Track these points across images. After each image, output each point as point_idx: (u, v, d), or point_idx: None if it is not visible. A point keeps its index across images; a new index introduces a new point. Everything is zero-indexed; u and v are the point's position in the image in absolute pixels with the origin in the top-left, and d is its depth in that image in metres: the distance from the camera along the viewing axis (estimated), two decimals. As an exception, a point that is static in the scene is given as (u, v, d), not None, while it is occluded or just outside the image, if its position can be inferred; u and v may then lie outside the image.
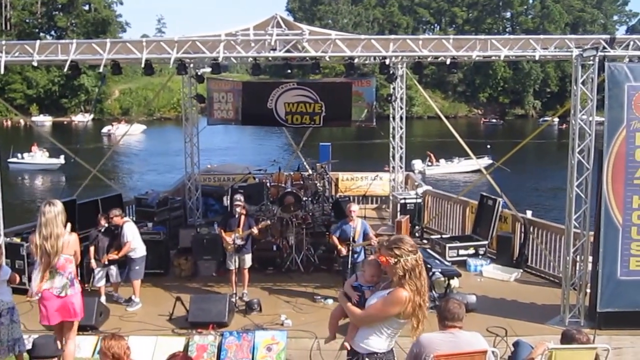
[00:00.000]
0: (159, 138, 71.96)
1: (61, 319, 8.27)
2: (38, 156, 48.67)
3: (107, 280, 12.56)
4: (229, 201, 17.23)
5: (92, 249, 12.30)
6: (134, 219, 16.02)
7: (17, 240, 12.86)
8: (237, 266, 12.58)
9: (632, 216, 10.76)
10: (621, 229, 10.77)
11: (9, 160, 48.08)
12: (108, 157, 27.28)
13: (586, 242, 11.26)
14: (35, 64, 11.78)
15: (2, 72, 11.58)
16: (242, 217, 12.57)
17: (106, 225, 12.44)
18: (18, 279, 8.59)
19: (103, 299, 12.20)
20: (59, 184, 27.49)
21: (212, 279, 14.01)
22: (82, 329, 10.35)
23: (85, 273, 13.08)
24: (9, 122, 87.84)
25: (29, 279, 8.50)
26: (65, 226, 8.10)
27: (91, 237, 12.51)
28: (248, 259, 12.68)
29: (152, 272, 13.53)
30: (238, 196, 13.06)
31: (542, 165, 48.10)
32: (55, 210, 7.97)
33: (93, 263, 12.23)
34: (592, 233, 11.24)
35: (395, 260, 5.47)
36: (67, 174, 36.01)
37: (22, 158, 48.96)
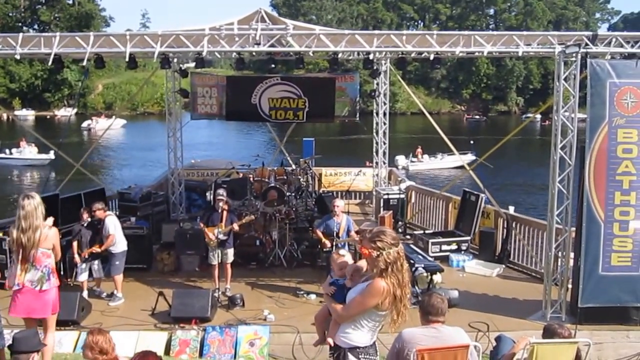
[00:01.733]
0: (142, 133, 71.56)
1: (30, 313, 8.19)
2: (27, 151, 47.56)
3: (90, 274, 12.49)
4: (212, 196, 17.21)
5: (75, 243, 12.23)
6: (117, 213, 15.95)
7: (-1, 234, 12.76)
8: (219, 261, 12.56)
9: (614, 212, 10.83)
10: (603, 224, 10.85)
11: None
12: (90, 152, 27.14)
13: (568, 237, 11.33)
14: (18, 57, 11.67)
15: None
16: (225, 213, 12.53)
17: (89, 219, 12.37)
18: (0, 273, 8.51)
19: (85, 293, 12.13)
20: (48, 179, 27.19)
21: (195, 274, 13.97)
22: (64, 323, 10.32)
23: (68, 267, 13.02)
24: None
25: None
26: (45, 219, 8.04)
27: (74, 232, 12.44)
28: (230, 253, 12.65)
29: (134, 266, 13.49)
30: (220, 191, 13.02)
31: (524, 162, 48.32)
32: (34, 203, 7.91)
33: (76, 258, 12.17)
34: (574, 229, 11.32)
35: (378, 253, 5.47)
36: (55, 169, 35.68)
37: (10, 153, 48.08)
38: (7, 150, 48.29)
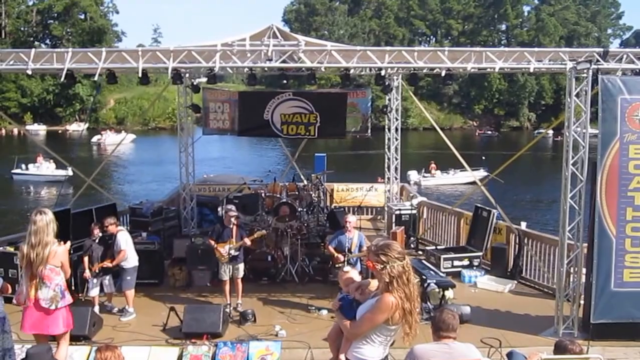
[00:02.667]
0: (153, 148, 71.78)
1: (42, 330, 8.22)
2: (44, 167, 46.83)
3: (101, 289, 12.51)
4: (223, 211, 17.24)
5: (86, 258, 12.25)
6: (129, 228, 15.99)
7: (10, 249, 12.81)
8: (230, 276, 12.55)
9: (626, 228, 10.78)
10: (615, 240, 10.79)
11: (13, 171, 47.23)
12: (101, 167, 27.18)
13: (580, 253, 11.28)
14: (29, 72, 11.73)
15: (-3, 80, 11.59)
16: (234, 228, 12.53)
17: (100, 234, 12.40)
18: (10, 289, 8.53)
19: (97, 308, 12.14)
20: (63, 194, 27.09)
21: (207, 289, 13.98)
22: (75, 339, 10.32)
23: (79, 283, 13.05)
24: (3, 131, 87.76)
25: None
26: (57, 236, 8.07)
27: (85, 247, 12.46)
28: (241, 268, 12.65)
29: (146, 282, 13.51)
30: (230, 206, 13.03)
31: (536, 177, 48.17)
32: (46, 219, 7.95)
33: (87, 273, 12.19)
34: (585, 245, 11.27)
35: (382, 266, 5.48)
36: (67, 184, 35.61)
37: (26, 169, 47.56)
38: (23, 166, 47.78)
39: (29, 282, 8.04)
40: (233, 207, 13.04)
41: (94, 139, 75.89)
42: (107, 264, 12.16)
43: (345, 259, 12.34)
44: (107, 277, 12.42)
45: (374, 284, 6.00)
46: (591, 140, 10.92)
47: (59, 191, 30.95)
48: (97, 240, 12.36)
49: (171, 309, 11.73)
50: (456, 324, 6.13)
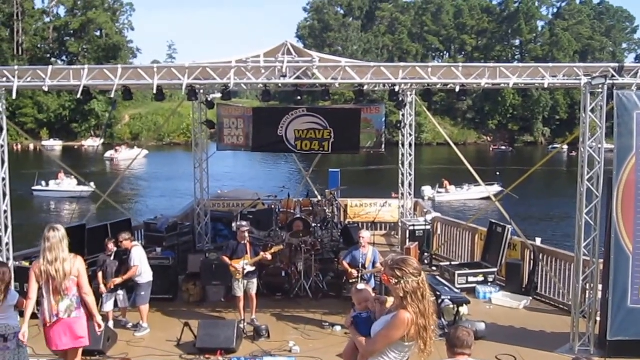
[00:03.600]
0: (168, 163, 72.09)
1: (69, 343, 8.25)
2: (66, 184, 46.40)
3: (116, 305, 12.54)
4: (236, 227, 17.27)
5: (100, 274, 12.29)
6: (143, 243, 16.02)
7: (26, 264, 12.82)
8: (244, 291, 12.55)
9: (643, 244, 10.70)
10: (631, 256, 10.71)
11: (34, 188, 46.93)
12: (117, 183, 27.16)
13: (596, 269, 11.20)
14: (46, 89, 11.86)
15: (15, 97, 11.69)
16: (248, 244, 12.55)
17: (114, 250, 12.44)
18: (26, 303, 8.56)
19: (111, 323, 12.17)
20: (85, 210, 26.88)
21: (221, 305, 13.97)
22: (90, 353, 10.34)
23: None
24: (19, 147, 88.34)
25: (38, 304, 8.47)
26: (70, 251, 8.11)
27: (99, 262, 12.50)
28: (255, 283, 12.66)
29: (160, 297, 13.53)
30: (243, 222, 13.03)
31: (551, 193, 48.01)
32: (59, 235, 7.99)
33: (102, 288, 12.21)
34: (601, 261, 11.20)
35: (396, 280, 5.47)
36: (83, 199, 35.41)
37: (46, 185, 47.28)
38: (43, 183, 47.44)
39: (53, 298, 8.08)
40: (245, 223, 13.03)
41: (107, 154, 76.37)
42: (118, 280, 12.17)
43: (359, 274, 12.31)
44: (122, 292, 12.43)
45: (390, 300, 5.99)
46: (607, 155, 10.87)
47: (76, 206, 30.85)
48: (111, 256, 12.40)
49: (185, 324, 11.73)
50: (471, 341, 6.10)
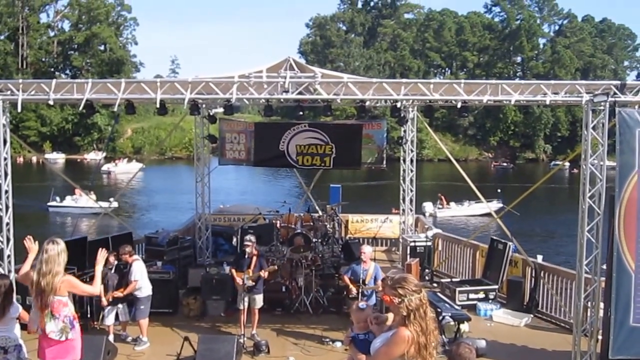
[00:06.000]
0: (170, 177, 72.10)
1: None
2: (84, 200, 42.63)
3: (117, 318, 12.52)
4: (238, 241, 17.24)
5: (101, 287, 12.26)
6: (144, 257, 16.02)
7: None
8: (246, 306, 12.53)
9: (645, 262, 10.68)
10: (634, 275, 10.67)
11: (49, 204, 45.85)
12: (111, 194, 27.00)
13: (597, 287, 11.17)
14: (51, 102, 11.87)
15: (20, 110, 11.72)
16: (254, 258, 12.54)
17: (115, 263, 12.44)
18: (27, 316, 8.55)
19: (111, 337, 12.15)
20: (108, 226, 26.21)
21: (221, 319, 13.95)
22: (90, 367, 10.30)
23: (94, 311, 13.07)
24: (22, 159, 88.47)
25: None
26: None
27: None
28: (259, 299, 12.65)
29: (160, 311, 13.52)
30: (249, 237, 13.01)
31: (553, 210, 47.94)
32: (57, 249, 7.95)
33: (103, 301, 12.20)
34: (603, 278, 11.16)
35: (399, 299, 5.45)
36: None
37: (61, 201, 45.67)
38: (58, 198, 45.96)
39: (40, 313, 8.04)
40: (250, 237, 13.00)
41: (104, 167, 76.34)
42: (118, 293, 12.18)
43: (360, 290, 12.28)
44: (122, 306, 12.42)
45: (391, 318, 5.97)
46: (609, 172, 10.87)
47: (94, 222, 29.76)
48: (112, 269, 12.40)
49: (185, 338, 11.70)
50: (473, 358, 6.08)
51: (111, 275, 12.34)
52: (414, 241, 17.94)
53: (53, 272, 7.88)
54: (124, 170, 76.13)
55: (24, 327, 8.47)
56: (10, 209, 12.09)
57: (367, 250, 12.86)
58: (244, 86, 12.05)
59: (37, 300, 8.00)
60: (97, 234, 16.98)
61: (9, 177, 12.06)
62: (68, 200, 45.96)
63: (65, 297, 8.13)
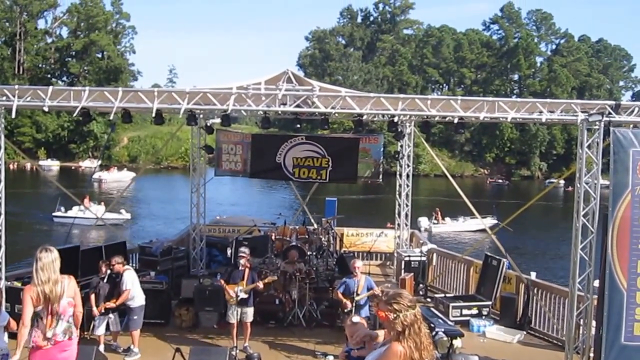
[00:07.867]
0: (165, 186, 71.99)
1: None
2: (93, 210, 37.44)
3: (107, 328, 12.46)
4: (232, 253, 17.20)
5: (92, 296, 12.22)
6: (137, 267, 15.97)
7: (17, 284, 12.75)
8: (238, 319, 12.49)
9: (637, 281, 10.70)
10: (626, 293, 10.70)
11: (54, 214, 43.37)
12: (111, 205, 26.85)
13: (590, 305, 11.19)
14: (47, 109, 11.87)
15: (14, 116, 11.70)
16: (247, 270, 12.51)
17: (108, 272, 12.39)
18: (16, 325, 8.45)
19: (102, 347, 12.08)
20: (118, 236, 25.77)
21: (213, 331, 13.89)
22: (80, 377, 10.25)
23: (85, 320, 12.98)
24: (15, 165, 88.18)
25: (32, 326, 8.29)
26: (62, 273, 8.04)
27: (92, 285, 12.44)
28: (250, 312, 12.60)
29: (152, 321, 13.44)
30: (243, 249, 12.99)
31: (547, 227, 48.00)
32: (51, 257, 7.89)
33: (94, 311, 12.14)
34: (595, 296, 11.19)
35: (395, 315, 5.43)
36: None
37: (68, 211, 41.98)
38: (63, 209, 43.11)
39: (49, 320, 7.95)
40: (244, 249, 12.98)
41: (95, 175, 75.99)
42: (110, 304, 12.11)
43: (353, 304, 12.26)
44: (113, 316, 12.35)
45: (381, 335, 5.95)
46: (602, 191, 10.92)
47: (121, 235, 28.39)
48: (105, 278, 12.35)
49: (177, 350, 11.63)
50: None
51: (103, 285, 12.28)
52: (409, 256, 17.93)
53: (52, 279, 7.81)
54: (116, 178, 75.79)
55: (12, 336, 8.40)
56: (3, 216, 12.05)
57: (359, 264, 12.84)
58: (242, 97, 12.07)
59: (47, 309, 7.90)
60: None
61: (2, 183, 12.02)
62: (75, 211, 40.84)
63: (72, 297, 8.09)
